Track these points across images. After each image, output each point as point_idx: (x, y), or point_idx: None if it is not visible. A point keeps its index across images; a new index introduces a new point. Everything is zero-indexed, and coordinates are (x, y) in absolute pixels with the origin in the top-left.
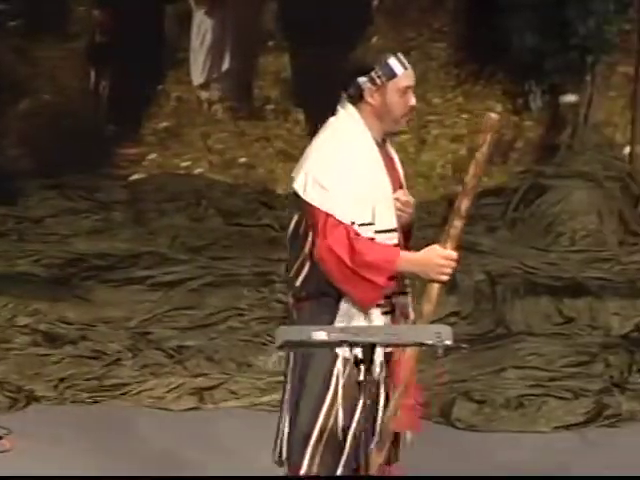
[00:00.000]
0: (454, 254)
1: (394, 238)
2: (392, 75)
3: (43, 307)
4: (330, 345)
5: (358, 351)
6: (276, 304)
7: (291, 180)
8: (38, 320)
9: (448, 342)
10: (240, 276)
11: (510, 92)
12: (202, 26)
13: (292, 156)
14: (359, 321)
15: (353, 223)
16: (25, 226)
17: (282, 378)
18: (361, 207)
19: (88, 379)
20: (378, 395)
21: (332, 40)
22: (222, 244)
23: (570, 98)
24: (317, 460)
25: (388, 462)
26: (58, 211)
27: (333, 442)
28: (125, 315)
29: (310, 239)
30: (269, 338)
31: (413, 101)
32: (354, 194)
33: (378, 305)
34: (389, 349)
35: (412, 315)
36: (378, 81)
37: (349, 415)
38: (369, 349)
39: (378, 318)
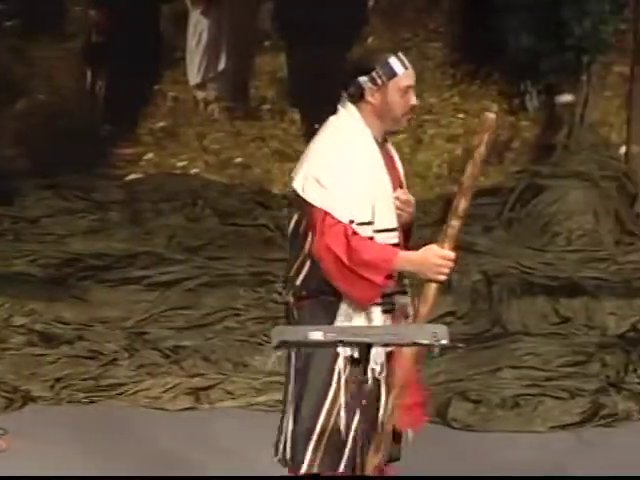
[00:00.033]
0: (452, 254)
1: (394, 237)
2: (393, 75)
3: (39, 307)
4: (326, 345)
5: (354, 351)
6: (272, 304)
7: (291, 179)
8: (34, 320)
9: (444, 342)
10: (236, 276)
11: (506, 92)
12: (198, 26)
13: (288, 156)
14: (359, 320)
15: (352, 222)
16: (21, 226)
17: (278, 378)
18: (360, 206)
19: (84, 379)
20: (379, 395)
21: (328, 40)
22: (218, 244)
23: (566, 98)
24: (318, 459)
25: (389, 461)
26: (54, 211)
27: (335, 441)
28: (121, 315)
29: (310, 238)
30: (265, 338)
31: (414, 100)
32: (353, 193)
33: (378, 304)
34: (389, 349)
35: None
36: (379, 81)
37: (351, 414)
38: (365, 349)
39: (378, 317)
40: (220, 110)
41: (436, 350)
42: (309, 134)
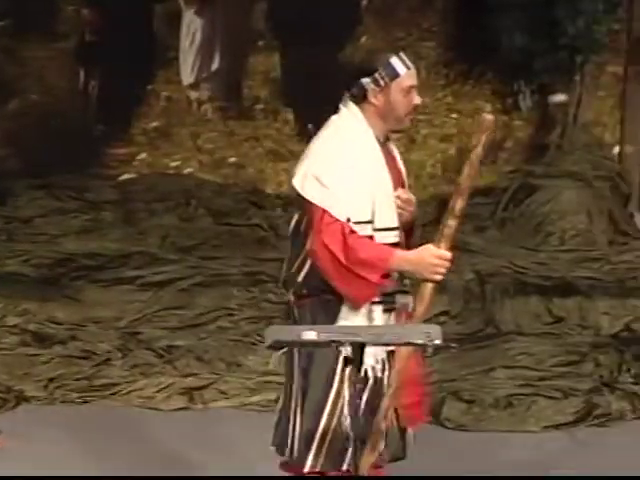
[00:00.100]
0: (448, 254)
1: (395, 236)
2: (395, 75)
3: (32, 307)
4: (320, 345)
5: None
6: (266, 304)
7: (289, 178)
8: (27, 320)
9: (437, 341)
10: (230, 276)
11: (499, 92)
12: (192, 26)
13: (282, 156)
14: (360, 319)
15: (349, 220)
16: (14, 226)
17: (271, 378)
18: (360, 205)
19: (78, 379)
20: (381, 394)
21: (322, 40)
22: (212, 244)
23: (559, 98)
24: (321, 458)
25: (393, 460)
26: (47, 211)
27: (337, 440)
28: (115, 315)
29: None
30: (259, 338)
31: (417, 100)
32: (353, 192)
33: (379, 303)
34: (391, 348)
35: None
36: (382, 82)
37: (354, 413)
38: (358, 349)
39: (379, 317)
40: (213, 110)
41: (429, 350)
42: (303, 134)
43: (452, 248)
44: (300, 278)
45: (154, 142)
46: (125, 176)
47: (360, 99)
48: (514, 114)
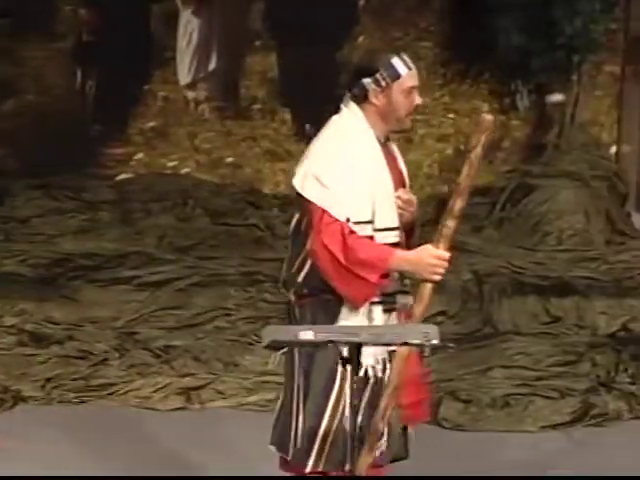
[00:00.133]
0: (447, 254)
1: (395, 236)
2: (397, 76)
3: (29, 307)
4: (317, 345)
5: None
6: (263, 304)
7: (289, 177)
8: (24, 320)
9: (435, 341)
10: (227, 276)
11: (497, 91)
12: (189, 26)
13: (279, 156)
14: (361, 319)
15: (348, 220)
16: (11, 226)
17: (269, 378)
18: (360, 205)
19: (75, 379)
20: (382, 394)
21: (319, 40)
22: (209, 244)
23: (557, 97)
24: (323, 458)
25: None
26: (44, 211)
27: (339, 440)
28: (112, 315)
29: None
30: (256, 338)
31: (418, 100)
32: (353, 192)
33: (379, 303)
34: (392, 348)
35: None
36: (383, 83)
37: (355, 413)
38: (354, 349)
39: (379, 316)
40: (211, 110)
41: (427, 350)
42: (300, 134)
43: (450, 248)
44: (300, 278)
45: (151, 142)
46: (122, 176)
47: (361, 99)
48: (511, 114)
